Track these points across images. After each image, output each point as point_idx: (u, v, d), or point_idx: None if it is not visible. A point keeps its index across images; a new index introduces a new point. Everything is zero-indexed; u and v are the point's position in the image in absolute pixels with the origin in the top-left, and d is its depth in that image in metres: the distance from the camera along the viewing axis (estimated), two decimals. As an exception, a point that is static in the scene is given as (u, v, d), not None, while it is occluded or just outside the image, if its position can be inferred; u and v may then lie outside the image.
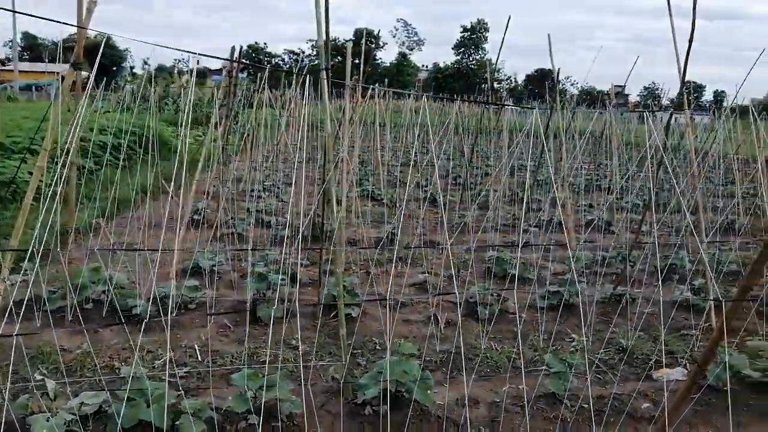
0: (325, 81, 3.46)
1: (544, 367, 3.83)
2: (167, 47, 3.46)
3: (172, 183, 3.03)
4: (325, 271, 5.04)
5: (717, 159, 9.64)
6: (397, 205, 8.83)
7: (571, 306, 5.12)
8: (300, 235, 3.18)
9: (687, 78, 4.29)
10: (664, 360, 4.21)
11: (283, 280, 4.70)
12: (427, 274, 5.77)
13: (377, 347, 4.30)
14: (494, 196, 8.96)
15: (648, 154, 5.51)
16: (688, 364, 4.17)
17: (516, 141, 6.46)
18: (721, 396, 3.70)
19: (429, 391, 3.20)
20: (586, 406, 3.53)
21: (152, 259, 5.32)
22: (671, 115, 4.61)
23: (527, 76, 72.24)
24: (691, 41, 4.39)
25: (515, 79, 74.44)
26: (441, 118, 15.28)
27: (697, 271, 6.15)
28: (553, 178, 5.01)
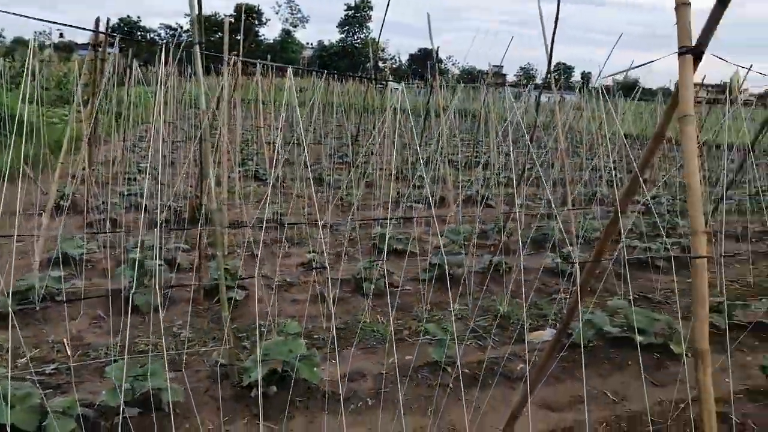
0: (198, 55, 3.32)
1: (427, 337, 3.98)
2: (21, 16, 3.14)
3: (30, 165, 2.78)
4: (207, 254, 4.87)
5: (583, 135, 10.37)
6: (283, 184, 8.70)
7: (452, 277, 5.32)
8: (178, 219, 3.04)
9: (560, 60, 4.57)
10: (528, 323, 4.52)
11: (161, 265, 4.49)
12: (313, 254, 5.75)
13: (264, 329, 4.25)
14: (379, 174, 9.10)
15: (505, 129, 5.82)
16: (557, 325, 4.48)
17: (398, 119, 6.58)
18: (585, 352, 4.03)
19: (315, 369, 3.22)
20: (467, 371, 3.71)
21: (10, 250, 4.87)
22: (540, 93, 4.89)
23: (411, 55, 73.41)
24: (556, 25, 4.66)
25: (399, 58, 75.40)
26: (327, 97, 15.18)
27: (566, 239, 6.62)
28: (435, 155, 5.15)
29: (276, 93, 16.44)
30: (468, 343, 4.18)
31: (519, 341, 4.28)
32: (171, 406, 2.97)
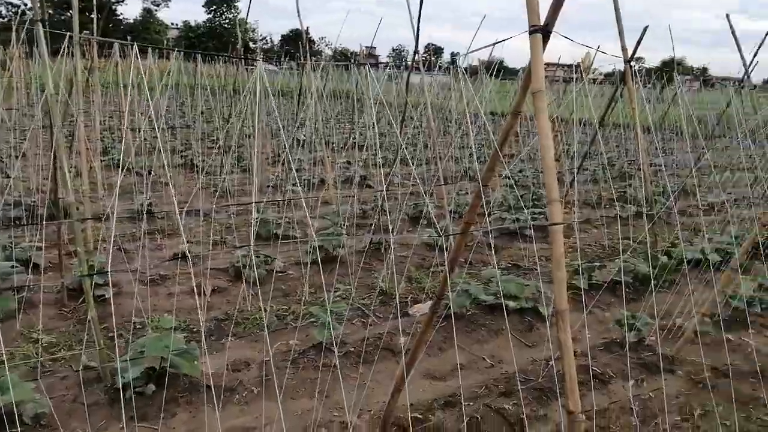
0: (42, 34, 3.03)
1: (311, 320, 3.97)
2: None
3: None
4: (69, 252, 4.51)
5: (453, 113, 10.76)
6: (151, 173, 8.22)
7: (335, 258, 5.34)
8: (33, 215, 2.77)
9: (429, 41, 4.67)
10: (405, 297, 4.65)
11: (15, 267, 4.09)
12: (189, 244, 5.51)
13: (138, 326, 4.02)
14: (256, 158, 8.87)
15: (368, 108, 5.92)
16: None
17: (269, 101, 6.43)
18: (464, 320, 4.24)
19: (195, 362, 3.10)
20: (353, 349, 3.75)
21: None
22: (409, 74, 4.98)
23: (283, 36, 71.88)
24: (421, 5, 4.75)
25: (271, 39, 73.57)
26: (196, 79, 14.49)
27: (442, 215, 6.88)
28: (311, 138, 5.10)
29: (140, 76, 15.44)
30: (353, 321, 4.23)
31: (401, 315, 4.39)
32: (36, 419, 2.74)
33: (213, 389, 3.14)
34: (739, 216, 7.44)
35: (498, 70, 10.66)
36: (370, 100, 9.87)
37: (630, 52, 5.04)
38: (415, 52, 4.38)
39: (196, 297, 4.34)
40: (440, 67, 12.98)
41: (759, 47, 6.21)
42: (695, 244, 5.88)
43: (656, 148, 11.99)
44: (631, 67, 5.09)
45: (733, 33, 5.93)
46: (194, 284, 4.49)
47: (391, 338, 3.94)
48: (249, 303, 4.38)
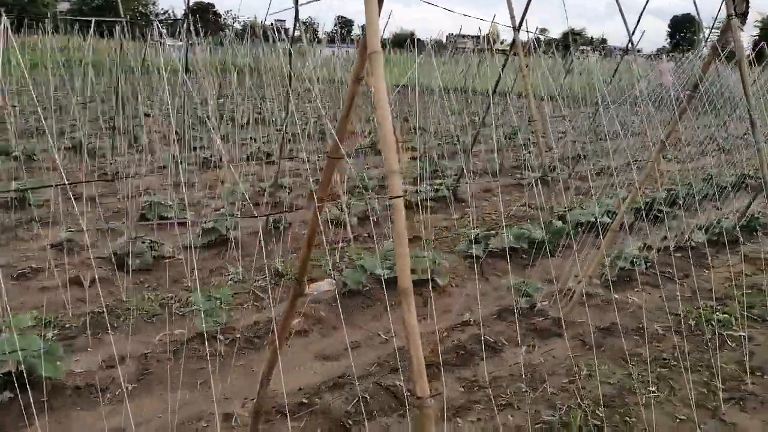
0: None
1: (198, 307, 3.75)
2: None
3: None
4: None
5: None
6: (34, 157, 7.58)
7: (229, 240, 5.11)
8: None
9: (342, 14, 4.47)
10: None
11: None
12: (69, 232, 5.10)
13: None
14: (153, 137, 8.39)
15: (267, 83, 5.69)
16: (333, 274, 4.54)
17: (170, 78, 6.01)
18: (360, 296, 4.15)
19: (59, 363, 2.84)
20: (245, 335, 3.58)
21: None
22: (290, 46, 4.78)
23: (186, 9, 68.50)
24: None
25: (174, 13, 70.08)
26: (89, 55, 13.48)
27: (348, 190, 6.75)
28: (211, 114, 4.80)
29: (30, 53, 14.22)
30: (245, 305, 4.04)
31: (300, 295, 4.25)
32: None
33: (82, 390, 2.89)
34: (628, 180, 7.78)
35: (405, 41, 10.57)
36: (270, 74, 9.54)
37: (518, 21, 5.05)
38: (296, 20, 4.17)
39: (68, 290, 4.00)
40: (344, 40, 12.74)
41: (640, 16, 6.42)
42: (588, 208, 6.06)
43: (562, 117, 12.38)
44: (524, 35, 5.11)
45: (617, 2, 6.08)
46: (69, 276, 4.15)
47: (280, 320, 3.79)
48: (132, 293, 4.10)
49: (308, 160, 8.49)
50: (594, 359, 3.44)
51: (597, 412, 2.96)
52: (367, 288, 4.27)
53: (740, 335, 3.81)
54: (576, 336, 3.77)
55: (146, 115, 12.02)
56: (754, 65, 8.88)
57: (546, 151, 5.58)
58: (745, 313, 4.09)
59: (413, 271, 4.24)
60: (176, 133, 9.84)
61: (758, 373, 3.37)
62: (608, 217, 5.89)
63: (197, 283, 4.06)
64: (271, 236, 5.40)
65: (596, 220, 5.69)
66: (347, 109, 1.83)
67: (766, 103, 8.36)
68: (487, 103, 6.56)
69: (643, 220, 5.09)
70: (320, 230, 4.22)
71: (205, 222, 5.12)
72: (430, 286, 4.26)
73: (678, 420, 2.91)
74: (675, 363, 3.42)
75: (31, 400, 2.71)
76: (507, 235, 5.03)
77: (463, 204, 6.76)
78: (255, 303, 4.09)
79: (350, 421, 2.77)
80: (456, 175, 7.33)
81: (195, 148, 9.30)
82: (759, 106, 8.10)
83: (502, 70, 5.76)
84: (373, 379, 3.15)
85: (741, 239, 5.61)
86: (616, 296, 4.36)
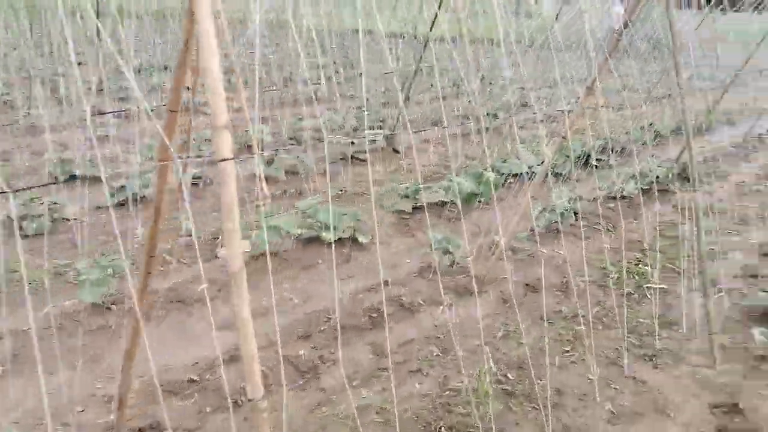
0: None
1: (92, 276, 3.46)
2: None
3: None
4: None
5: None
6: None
7: (143, 199, 4.78)
8: None
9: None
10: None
11: None
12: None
13: None
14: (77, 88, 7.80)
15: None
16: (252, 235, 4.27)
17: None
18: (277, 258, 3.92)
19: None
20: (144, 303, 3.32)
21: None
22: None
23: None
24: None
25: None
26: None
27: (282, 141, 6.43)
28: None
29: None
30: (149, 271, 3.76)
31: (211, 259, 4.01)
32: None
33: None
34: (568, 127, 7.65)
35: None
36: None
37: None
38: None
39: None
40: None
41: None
42: (525, 157, 5.90)
43: (511, 63, 12.09)
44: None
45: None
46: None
47: (187, 288, 3.55)
48: (23, 261, 3.77)
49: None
50: (513, 318, 3.33)
51: (509, 375, 2.85)
52: (285, 249, 4.04)
53: (660, 287, 3.75)
54: (498, 293, 3.64)
55: (79, 63, 11.27)
56: (711, 7, 8.70)
57: (477, 98, 5.34)
58: (669, 266, 4.04)
59: (333, 229, 4.03)
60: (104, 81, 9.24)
61: (675, 327, 3.31)
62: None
63: (86, 248, 3.75)
64: (192, 193, 5.09)
65: (531, 170, 5.56)
66: (183, 54, 1.55)
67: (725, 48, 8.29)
68: (425, 47, 6.25)
69: (577, 169, 4.96)
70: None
71: (119, 180, 4.77)
72: (350, 245, 4.07)
73: (589, 380, 2.82)
74: (594, 320, 3.33)
75: None
76: (438, 188, 4.84)
77: (401, 156, 6.53)
78: (161, 268, 3.82)
79: (242, 399, 2.58)
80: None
81: (119, 99, 8.76)
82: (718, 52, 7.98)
83: (439, 8, 5.45)
84: (275, 349, 2.95)
85: (671, 188, 5.58)
86: (543, 250, 4.25)
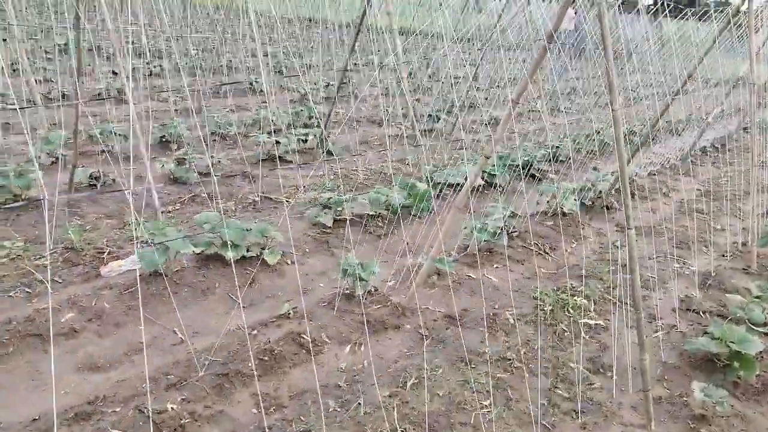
0: None
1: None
2: None
3: None
4: None
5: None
6: None
7: (30, 201, 4.17)
8: None
9: None
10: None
11: None
12: None
13: None
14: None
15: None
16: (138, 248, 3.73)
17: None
18: (168, 281, 3.38)
19: None
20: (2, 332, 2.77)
21: None
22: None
23: None
24: None
25: None
26: None
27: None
28: None
29: None
30: (14, 294, 3.19)
31: (92, 278, 3.44)
32: None
33: None
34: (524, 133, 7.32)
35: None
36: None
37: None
38: None
39: None
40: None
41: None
42: (462, 167, 5.51)
43: (467, 60, 11.72)
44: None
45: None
46: None
47: (57, 315, 3.00)
48: None
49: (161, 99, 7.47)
50: (433, 358, 2.92)
51: (415, 437, 2.43)
52: (178, 269, 3.52)
53: (596, 324, 3.41)
54: (416, 328, 3.22)
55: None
56: (665, 16, 8.54)
57: (410, 99, 4.89)
58: (609, 297, 3.71)
59: (235, 246, 3.53)
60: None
61: (608, 373, 2.96)
62: (482, 177, 5.38)
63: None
64: (89, 198, 4.50)
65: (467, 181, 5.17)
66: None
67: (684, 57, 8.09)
68: (356, 37, 5.78)
69: (518, 180, 4.60)
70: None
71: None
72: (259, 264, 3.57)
73: (507, 444, 2.43)
74: (519, 365, 2.95)
75: None
76: (364, 199, 4.39)
77: (335, 158, 6.05)
78: (27, 290, 3.24)
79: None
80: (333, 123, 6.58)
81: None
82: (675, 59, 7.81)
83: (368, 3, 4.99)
84: (141, 400, 2.45)
85: (615, 204, 5.31)
86: (470, 274, 3.86)
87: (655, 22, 11.51)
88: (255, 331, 3.01)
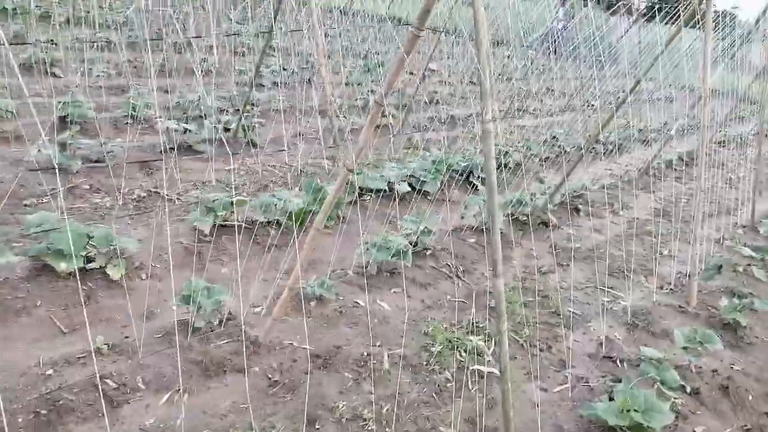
0: None
1: None
2: None
3: None
4: None
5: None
6: None
7: None
8: None
9: None
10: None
11: None
12: None
13: None
14: None
15: None
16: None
17: None
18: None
19: None
20: None
21: None
22: None
23: None
24: None
25: None
26: None
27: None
28: None
29: None
30: None
31: None
32: None
33: None
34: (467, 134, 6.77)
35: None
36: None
37: None
38: None
39: None
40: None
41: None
42: (389, 169, 4.92)
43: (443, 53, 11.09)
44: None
45: None
46: None
47: None
48: None
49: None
50: (268, 415, 2.35)
51: None
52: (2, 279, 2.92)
53: (489, 372, 2.86)
54: (267, 371, 2.65)
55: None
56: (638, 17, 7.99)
57: (329, 94, 4.31)
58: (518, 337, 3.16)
59: (69, 256, 2.94)
60: None
61: (487, 442, 2.42)
62: (411, 184, 4.82)
63: None
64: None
65: (390, 187, 4.64)
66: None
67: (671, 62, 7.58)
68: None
69: (455, 188, 4.05)
70: None
71: None
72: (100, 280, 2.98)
73: None
74: (372, 427, 2.39)
75: None
76: (258, 203, 3.81)
77: (258, 150, 5.46)
78: None
79: None
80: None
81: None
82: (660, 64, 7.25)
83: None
84: None
85: (545, 223, 4.76)
86: (359, 300, 3.30)
87: (638, 24, 10.98)
88: (51, 371, 2.43)
